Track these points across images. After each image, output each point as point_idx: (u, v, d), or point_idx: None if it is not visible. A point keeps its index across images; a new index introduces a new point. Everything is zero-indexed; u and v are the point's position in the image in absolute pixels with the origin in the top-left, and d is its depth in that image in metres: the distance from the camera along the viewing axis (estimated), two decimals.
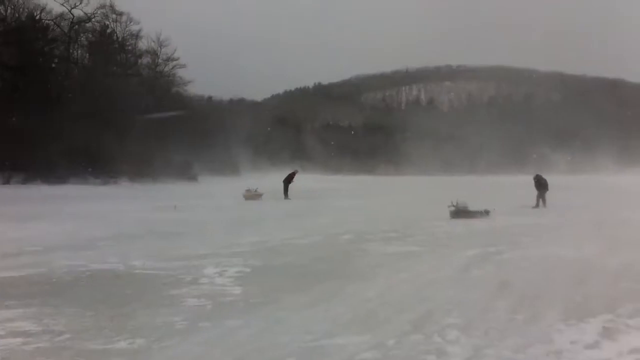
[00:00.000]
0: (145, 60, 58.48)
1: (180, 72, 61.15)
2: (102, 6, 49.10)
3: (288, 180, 30.36)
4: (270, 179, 62.94)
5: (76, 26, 48.77)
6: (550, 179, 23.87)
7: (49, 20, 46.74)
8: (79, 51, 51.94)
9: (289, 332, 5.53)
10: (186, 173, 53.50)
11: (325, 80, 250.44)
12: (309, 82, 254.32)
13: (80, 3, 46.93)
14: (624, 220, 17.10)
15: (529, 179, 24.62)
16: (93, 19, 49.64)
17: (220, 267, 9.12)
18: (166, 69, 60.16)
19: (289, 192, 29.76)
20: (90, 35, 51.78)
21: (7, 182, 34.92)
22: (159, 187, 40.82)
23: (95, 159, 39.47)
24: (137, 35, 54.97)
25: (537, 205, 22.84)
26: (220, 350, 5.05)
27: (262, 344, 5.22)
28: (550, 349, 5.08)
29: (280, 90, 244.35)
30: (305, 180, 32.33)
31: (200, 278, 8.24)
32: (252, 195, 29.19)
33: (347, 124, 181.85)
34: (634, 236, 13.22)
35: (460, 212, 17.86)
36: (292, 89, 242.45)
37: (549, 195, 23.45)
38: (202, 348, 5.12)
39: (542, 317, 6.06)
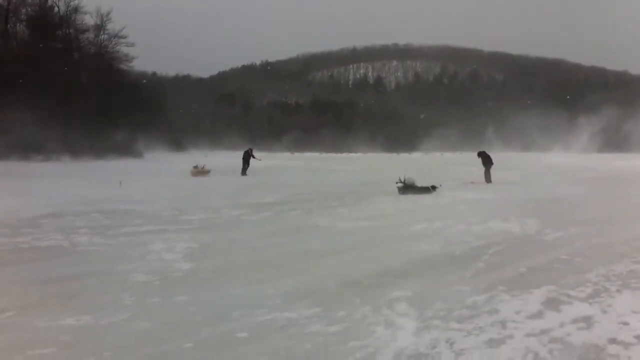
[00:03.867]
0: (89, 35, 56.74)
1: (124, 49, 59.60)
2: None
3: (247, 157, 30.18)
4: (217, 156, 62.42)
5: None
6: (492, 156, 24.32)
7: None
8: (18, 26, 50.00)
9: (239, 307, 5.52)
10: (131, 149, 52.48)
11: (272, 58, 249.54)
12: (256, 60, 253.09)
13: None
14: (562, 196, 17.62)
15: (473, 156, 25.06)
16: None
17: (169, 243, 9.01)
18: (110, 45, 58.52)
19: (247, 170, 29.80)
20: (29, 10, 49.90)
21: None
22: (103, 164, 39.90)
23: (36, 136, 38.26)
24: (76, 9, 53.21)
25: (488, 181, 23.26)
26: (169, 327, 5.01)
27: (212, 319, 5.20)
28: (495, 319, 5.22)
29: (226, 67, 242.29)
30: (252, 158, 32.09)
31: (147, 254, 8.12)
32: (200, 172, 28.88)
33: (295, 101, 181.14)
34: (571, 212, 13.66)
35: (407, 188, 18.08)
36: (239, 66, 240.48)
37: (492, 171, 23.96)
38: (150, 324, 5.06)
39: (487, 289, 6.22)
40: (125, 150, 50.90)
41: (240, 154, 31.65)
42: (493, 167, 24.06)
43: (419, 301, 5.75)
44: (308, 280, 6.66)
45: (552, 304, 5.70)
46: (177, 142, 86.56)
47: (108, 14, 56.08)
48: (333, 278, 6.77)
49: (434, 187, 18.70)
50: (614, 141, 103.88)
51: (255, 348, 4.50)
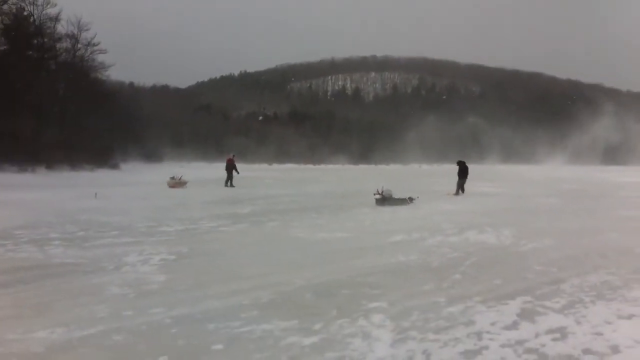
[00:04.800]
0: (64, 44, 56.12)
1: (100, 57, 59.11)
2: None
3: (231, 168, 29.95)
4: (194, 168, 62.16)
5: None
6: (469, 167, 24.50)
7: None
8: None
9: (215, 319, 5.48)
10: (107, 160, 52.00)
11: (250, 68, 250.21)
12: (234, 70, 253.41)
13: None
14: (539, 208, 17.82)
15: (451, 167, 25.23)
16: (9, 1, 47.36)
17: (144, 255, 8.93)
18: (86, 54, 57.99)
19: (232, 180, 29.70)
20: (5, 18, 49.28)
21: None
22: (79, 175, 39.56)
23: (10, 146, 37.71)
24: (55, 19, 52.66)
25: (457, 193, 23.44)
26: (143, 339, 4.95)
27: (187, 331, 5.15)
28: (471, 330, 5.24)
29: (205, 77, 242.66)
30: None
31: (122, 266, 8.03)
32: (177, 183, 28.72)
33: (273, 112, 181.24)
34: (546, 223, 13.82)
35: (385, 200, 18.16)
36: (217, 76, 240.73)
37: (468, 183, 24.14)
38: (125, 337, 5.00)
39: (463, 300, 6.24)
40: (102, 161, 50.39)
41: (219, 165, 31.46)
42: (468, 179, 24.24)
43: (395, 312, 5.76)
44: (285, 292, 6.63)
45: (527, 314, 5.74)
46: (154, 153, 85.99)
47: (82, 23, 55.56)
48: (310, 289, 6.75)
49: (411, 199, 18.81)
50: (592, 154, 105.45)
51: None
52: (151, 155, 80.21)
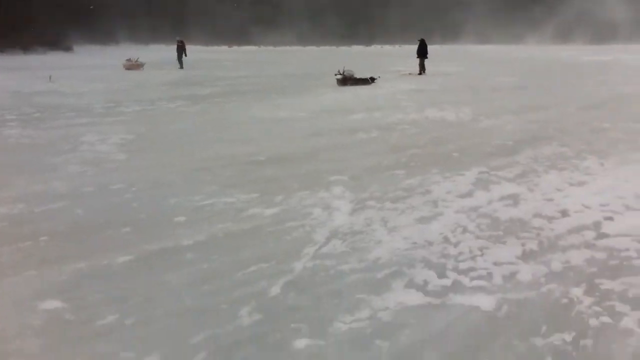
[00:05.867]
0: None
1: None
2: None
3: (181, 49, 29.35)
4: (151, 50, 60.37)
5: None
6: (433, 48, 24.29)
7: None
8: None
9: (177, 194, 5.51)
10: (60, 43, 50.01)
11: None
12: None
13: None
14: (496, 86, 17.93)
15: (414, 48, 24.89)
16: None
17: (102, 135, 8.81)
18: None
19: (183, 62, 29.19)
20: None
21: None
22: (32, 58, 38.15)
23: None
24: None
25: (420, 72, 23.32)
26: (104, 213, 4.96)
27: (149, 206, 5.18)
28: (427, 198, 5.39)
29: None
30: (189, 52, 31.08)
31: (80, 145, 7.94)
32: (133, 65, 27.91)
33: None
34: (506, 100, 13.96)
35: (346, 80, 18.04)
36: None
37: (432, 63, 24.03)
38: (85, 211, 5.01)
39: (421, 172, 6.38)
40: (54, 44, 48.48)
41: (174, 48, 30.63)
42: (431, 59, 24.08)
43: (355, 185, 5.87)
44: (246, 167, 6.68)
45: (482, 184, 5.91)
46: (109, 35, 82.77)
47: None
48: (271, 165, 6.81)
49: (372, 79, 18.70)
50: (577, 33, 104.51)
51: (193, 230, 4.53)
52: (106, 38, 77.27)
